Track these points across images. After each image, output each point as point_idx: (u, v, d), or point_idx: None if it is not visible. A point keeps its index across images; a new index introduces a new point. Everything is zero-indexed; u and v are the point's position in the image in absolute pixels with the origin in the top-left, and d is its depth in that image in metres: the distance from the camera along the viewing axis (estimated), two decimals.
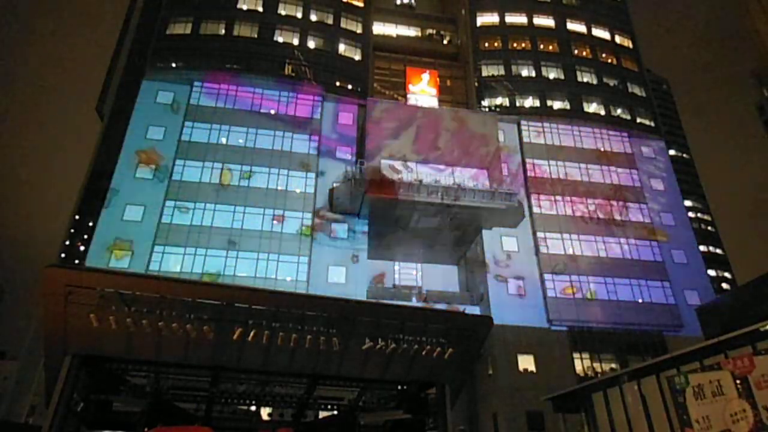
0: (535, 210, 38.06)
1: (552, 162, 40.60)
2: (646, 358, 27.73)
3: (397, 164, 36.50)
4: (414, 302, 35.23)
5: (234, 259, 32.55)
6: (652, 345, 33.73)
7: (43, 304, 13.77)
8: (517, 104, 43.70)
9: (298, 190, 35.72)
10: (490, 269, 35.11)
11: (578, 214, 38.58)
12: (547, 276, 35.39)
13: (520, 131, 41.76)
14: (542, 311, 34.24)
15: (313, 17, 44.07)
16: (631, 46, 50.65)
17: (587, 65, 46.98)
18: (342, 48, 43.57)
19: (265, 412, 21.42)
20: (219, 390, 17.70)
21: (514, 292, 34.55)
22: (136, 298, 13.45)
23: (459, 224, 36.31)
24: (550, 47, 47.54)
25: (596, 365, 33.40)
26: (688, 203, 71.88)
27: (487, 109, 42.71)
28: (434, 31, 50.77)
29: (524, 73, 45.83)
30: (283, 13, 43.32)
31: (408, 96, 43.46)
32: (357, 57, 43.66)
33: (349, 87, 41.53)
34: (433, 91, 44.11)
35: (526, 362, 32.15)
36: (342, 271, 33.73)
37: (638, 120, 45.55)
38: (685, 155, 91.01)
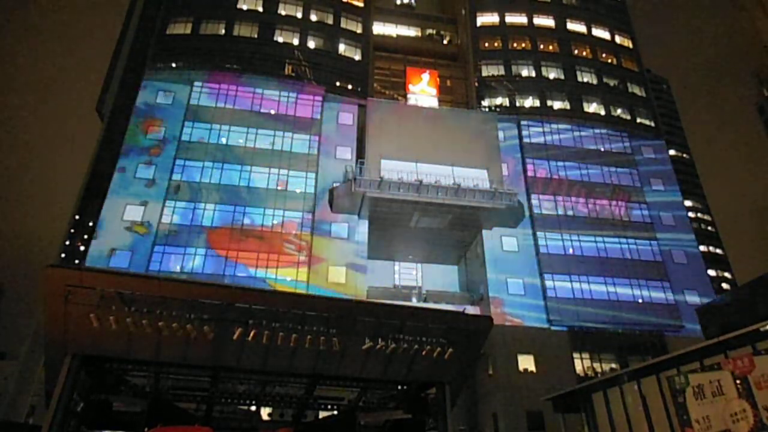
0: (535, 210, 38.10)
1: (552, 162, 40.62)
2: (646, 358, 27.67)
3: (397, 164, 36.45)
4: (414, 302, 35.25)
5: (234, 259, 32.55)
6: (652, 345, 33.74)
7: (43, 304, 13.76)
8: (517, 104, 43.70)
9: (298, 190, 35.72)
10: (490, 269, 35.11)
11: (578, 214, 38.60)
12: (547, 276, 35.41)
13: (520, 131, 41.78)
14: (542, 311, 34.26)
15: (313, 17, 44.07)
16: (631, 46, 50.65)
17: (587, 65, 47.00)
18: (342, 48, 43.57)
19: (265, 412, 21.42)
20: (219, 390, 17.69)
21: (514, 292, 34.57)
22: (136, 298, 13.43)
23: (459, 224, 36.33)
24: (550, 47, 47.55)
25: (596, 365, 33.41)
26: (688, 203, 71.80)
27: (487, 109, 42.72)
28: (434, 31, 50.77)
29: (524, 73, 45.82)
30: (283, 13, 43.33)
31: (408, 96, 43.48)
32: (357, 57, 43.65)
33: (350, 87, 41.52)
34: (433, 91, 44.10)
35: (526, 362, 32.15)
36: (342, 272, 33.72)
37: (638, 120, 45.55)
38: (685, 155, 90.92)
